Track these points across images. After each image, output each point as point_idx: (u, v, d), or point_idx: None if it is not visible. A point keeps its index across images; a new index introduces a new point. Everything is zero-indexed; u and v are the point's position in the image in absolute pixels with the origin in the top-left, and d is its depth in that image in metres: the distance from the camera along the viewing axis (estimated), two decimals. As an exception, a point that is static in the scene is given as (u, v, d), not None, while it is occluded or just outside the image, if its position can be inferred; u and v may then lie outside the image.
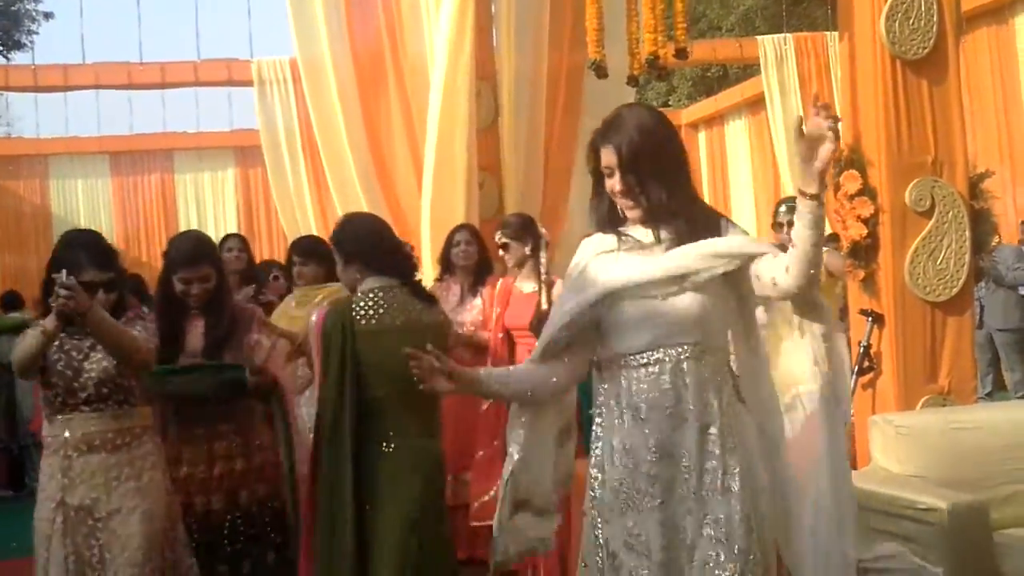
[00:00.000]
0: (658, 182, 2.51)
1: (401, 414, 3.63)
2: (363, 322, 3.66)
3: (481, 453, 5.40)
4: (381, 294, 3.73)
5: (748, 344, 2.62)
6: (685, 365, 2.49)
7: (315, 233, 12.01)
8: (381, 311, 3.70)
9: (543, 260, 5.56)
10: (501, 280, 5.71)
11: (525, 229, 5.73)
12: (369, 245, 3.82)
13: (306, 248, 5.79)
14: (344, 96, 7.80)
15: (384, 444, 3.64)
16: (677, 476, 2.47)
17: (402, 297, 3.76)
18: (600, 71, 4.70)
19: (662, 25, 4.57)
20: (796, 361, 2.69)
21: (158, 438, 3.76)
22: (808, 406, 2.71)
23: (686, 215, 2.54)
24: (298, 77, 10.57)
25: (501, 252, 5.81)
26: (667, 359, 2.49)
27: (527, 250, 5.68)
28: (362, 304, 3.70)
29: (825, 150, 2.30)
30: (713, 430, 2.48)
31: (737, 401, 2.57)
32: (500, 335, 5.50)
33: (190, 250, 4.05)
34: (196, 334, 4.02)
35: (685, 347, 2.49)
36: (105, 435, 3.54)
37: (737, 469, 2.46)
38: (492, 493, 4.92)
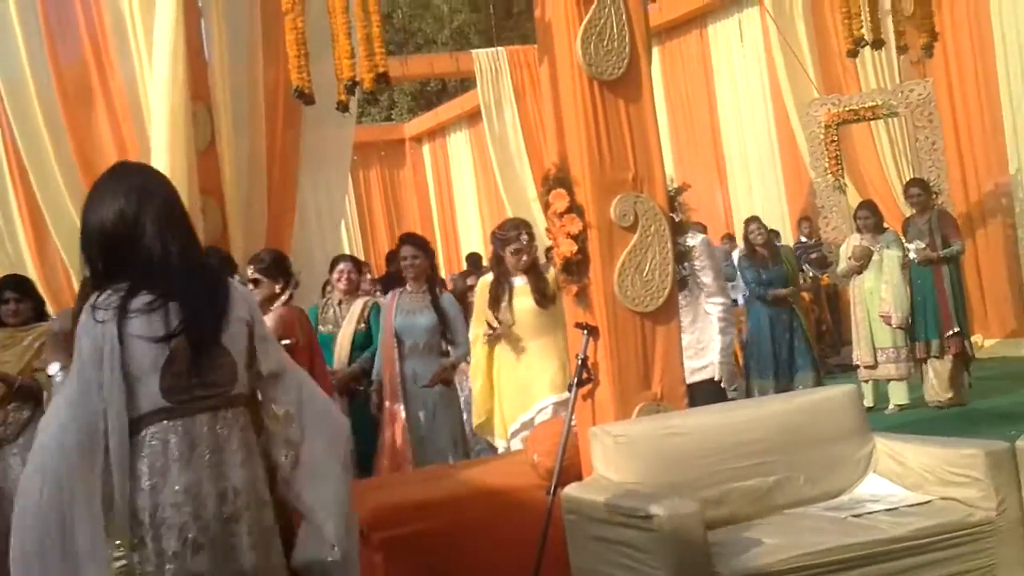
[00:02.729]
0: None
1: None
2: None
3: None
4: None
5: None
6: None
7: (29, 262, 11.39)
8: None
9: (282, 299, 5.60)
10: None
11: (277, 266, 5.69)
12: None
13: (20, 284, 5.53)
14: (50, 120, 7.43)
15: None
16: None
17: None
18: (304, 98, 4.61)
19: (367, 48, 4.52)
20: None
21: None
22: None
23: None
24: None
25: (251, 287, 5.72)
26: None
27: (277, 288, 5.64)
28: None
29: None
30: None
31: None
32: None
33: None
34: None
35: None
36: None
37: None
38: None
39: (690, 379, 5.37)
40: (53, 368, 4.72)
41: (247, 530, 2.77)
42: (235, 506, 2.76)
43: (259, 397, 2.98)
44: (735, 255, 11.54)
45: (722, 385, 5.63)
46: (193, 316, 2.76)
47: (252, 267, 5.75)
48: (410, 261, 6.36)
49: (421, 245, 6.47)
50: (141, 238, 2.77)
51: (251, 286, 5.74)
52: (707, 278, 5.65)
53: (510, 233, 5.68)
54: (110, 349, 2.69)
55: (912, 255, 8.75)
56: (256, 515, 2.80)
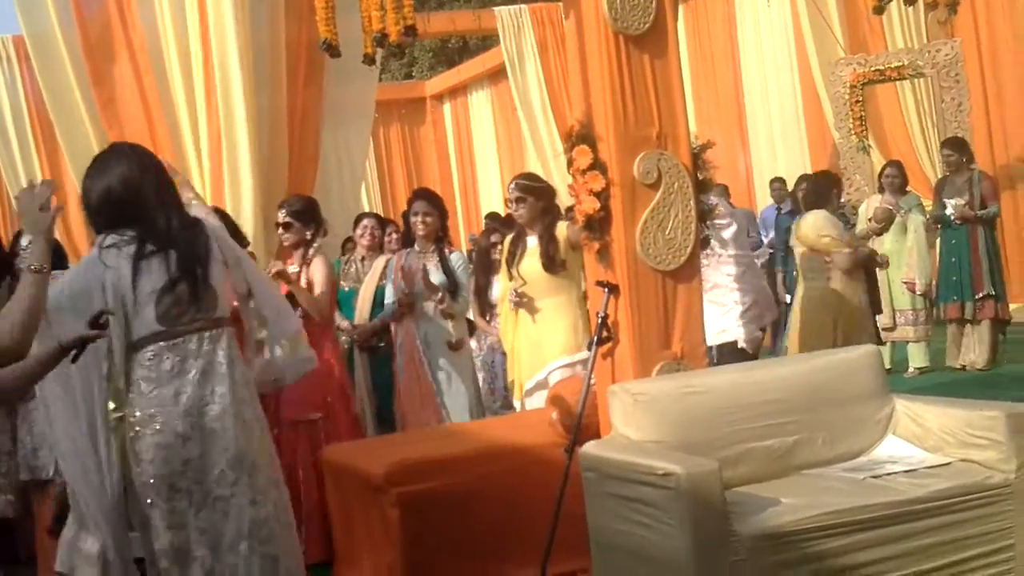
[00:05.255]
0: None
1: None
2: None
3: None
4: None
5: None
6: None
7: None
8: None
9: (315, 246, 5.67)
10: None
11: (309, 212, 5.73)
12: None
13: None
14: (78, 73, 7.52)
15: None
16: None
17: None
18: (331, 50, 4.60)
19: (395, 1, 4.49)
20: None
21: None
22: None
23: None
24: (23, 55, 10.07)
25: (280, 231, 5.77)
26: None
27: (308, 234, 5.68)
28: None
29: None
30: None
31: None
32: None
33: None
34: None
35: None
36: None
37: None
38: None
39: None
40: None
41: (232, 423, 3.58)
42: (220, 404, 3.56)
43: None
44: (762, 213, 11.49)
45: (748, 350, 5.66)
46: (187, 263, 3.59)
47: (283, 211, 5.74)
48: (422, 218, 6.09)
49: (435, 202, 6.22)
50: (144, 202, 3.59)
51: (281, 230, 5.76)
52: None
53: (509, 186, 5.64)
54: (112, 288, 3.51)
55: (950, 211, 8.65)
56: (237, 409, 3.61)
